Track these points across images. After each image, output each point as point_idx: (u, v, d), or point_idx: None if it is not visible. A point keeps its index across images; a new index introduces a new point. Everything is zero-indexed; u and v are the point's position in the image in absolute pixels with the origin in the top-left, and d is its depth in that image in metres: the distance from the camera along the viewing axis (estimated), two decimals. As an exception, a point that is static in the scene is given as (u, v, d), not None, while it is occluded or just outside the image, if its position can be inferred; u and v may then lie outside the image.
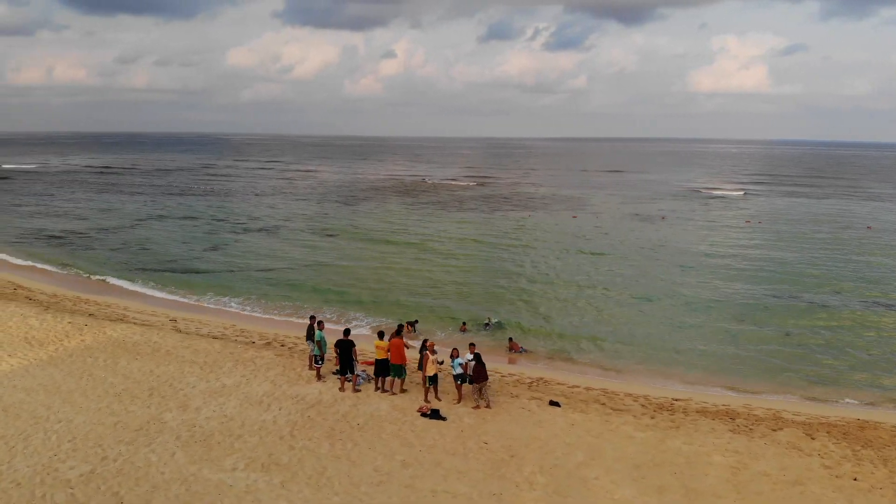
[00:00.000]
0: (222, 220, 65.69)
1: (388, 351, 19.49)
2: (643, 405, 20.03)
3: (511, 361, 26.20)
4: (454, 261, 46.58)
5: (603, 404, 19.83)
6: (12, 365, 20.78)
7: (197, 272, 41.90)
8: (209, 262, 44.96)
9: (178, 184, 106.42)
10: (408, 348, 19.52)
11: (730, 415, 19.56)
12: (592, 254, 48.81)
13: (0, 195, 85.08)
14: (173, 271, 42.17)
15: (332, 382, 20.05)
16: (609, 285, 38.85)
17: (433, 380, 18.98)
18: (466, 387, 18.97)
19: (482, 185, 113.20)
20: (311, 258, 47.07)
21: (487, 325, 30.53)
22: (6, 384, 19.27)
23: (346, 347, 19.27)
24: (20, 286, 35.11)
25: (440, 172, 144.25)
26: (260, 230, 59.93)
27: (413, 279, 40.37)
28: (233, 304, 34.40)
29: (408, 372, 19.83)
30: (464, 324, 30.27)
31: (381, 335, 19.75)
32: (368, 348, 21.47)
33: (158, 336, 24.70)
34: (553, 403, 19.14)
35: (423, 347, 19.42)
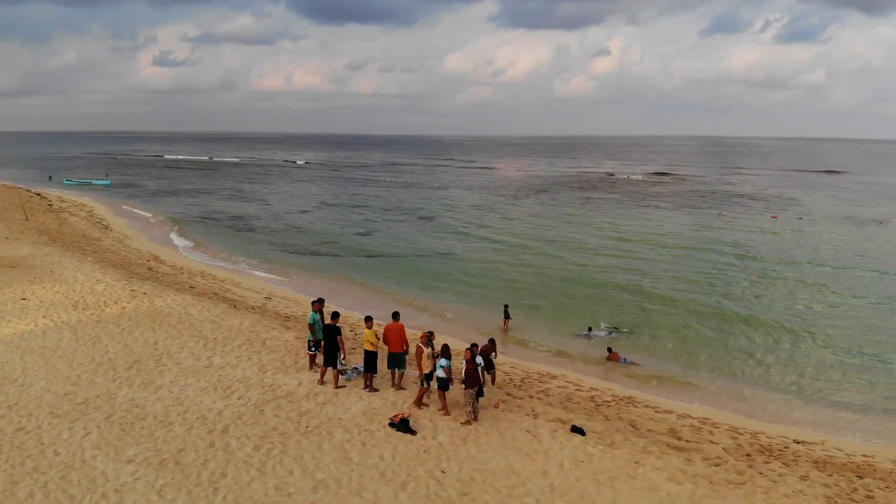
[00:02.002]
0: (390, 209, 67.65)
1: (380, 340, 16.17)
2: (734, 446, 14.76)
3: (605, 376, 21.96)
4: (598, 258, 42.03)
5: (664, 442, 14.90)
6: (37, 326, 20.83)
7: (335, 256, 42.98)
8: (351, 247, 46.12)
9: (369, 177, 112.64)
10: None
11: (857, 471, 13.57)
12: (781, 262, 40.86)
13: (217, 180, 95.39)
14: (313, 254, 43.53)
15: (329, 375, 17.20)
16: (788, 300, 31.85)
17: (429, 379, 15.27)
18: (461, 393, 14.98)
19: (679, 181, 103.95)
20: (455, 248, 46.13)
21: (590, 331, 26.96)
22: (12, 343, 19.09)
23: (330, 334, 16.32)
24: (157, 257, 37.05)
25: (635, 168, 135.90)
26: (421, 219, 60.99)
27: (545, 276, 37.36)
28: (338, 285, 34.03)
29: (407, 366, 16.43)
30: (590, 329, 26.77)
31: (368, 321, 16.43)
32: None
33: (201, 308, 23.63)
34: (576, 430, 14.48)
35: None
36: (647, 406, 19.06)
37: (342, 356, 16.49)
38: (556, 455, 13.39)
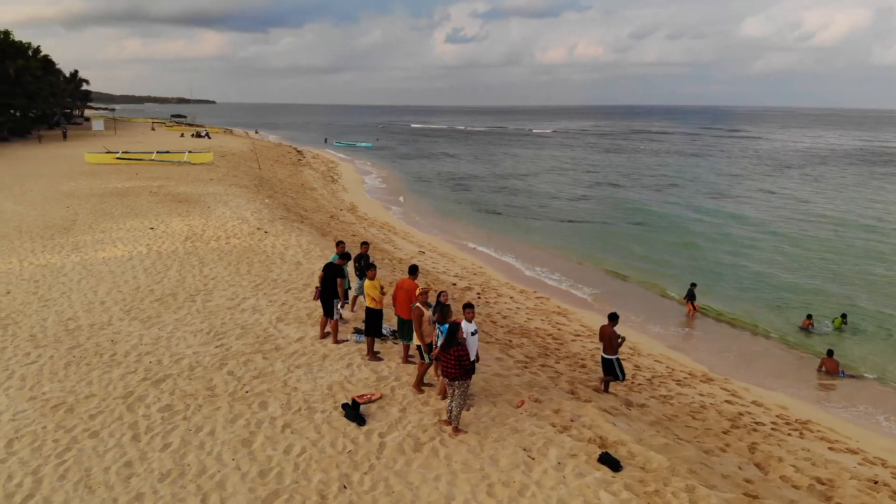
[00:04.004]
0: (627, 175, 64.09)
1: (384, 294, 12.27)
2: None
3: (794, 390, 16.14)
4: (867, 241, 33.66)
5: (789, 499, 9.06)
6: (130, 252, 20.68)
7: (537, 219, 40.88)
8: (559, 210, 43.87)
9: (621, 145, 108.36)
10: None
11: None
12: None
13: (466, 146, 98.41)
14: (516, 215, 41.95)
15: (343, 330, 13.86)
16: None
17: (430, 350, 11.02)
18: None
19: None
20: (680, 217, 41.54)
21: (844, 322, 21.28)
22: (87, 265, 18.99)
23: (329, 275, 12.83)
24: (354, 207, 37.19)
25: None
26: (656, 186, 56.29)
27: (784, 254, 31.61)
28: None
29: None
30: (808, 317, 21.22)
31: (369, 269, 12.53)
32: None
33: (303, 253, 21.58)
34: (606, 460, 9.13)
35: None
36: (822, 438, 12.72)
37: (339, 304, 12.85)
38: (542, 496, 8.32)
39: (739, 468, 10.59)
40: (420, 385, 11.26)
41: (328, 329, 13.45)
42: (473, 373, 9.87)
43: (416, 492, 8.35)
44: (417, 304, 11.16)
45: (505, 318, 20.26)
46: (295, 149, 79.77)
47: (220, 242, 22.13)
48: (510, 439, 9.63)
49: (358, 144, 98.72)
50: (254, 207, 29.72)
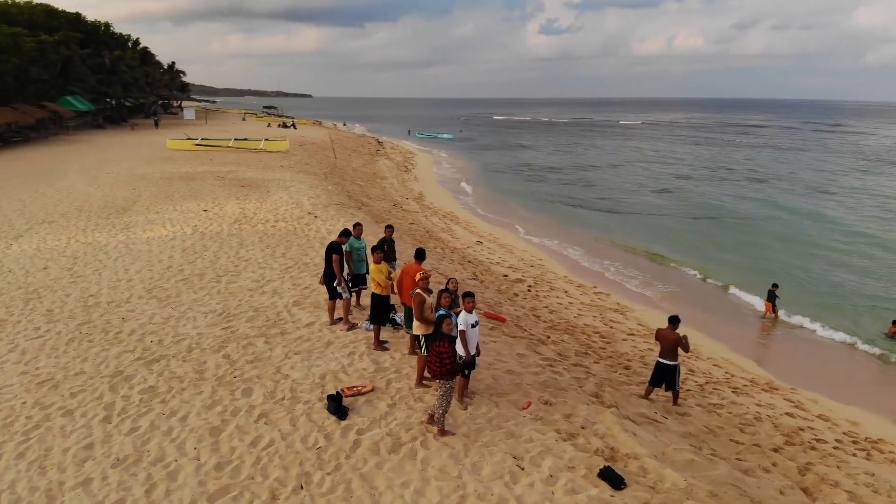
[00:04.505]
0: (713, 168, 61.45)
1: (391, 280, 11.40)
2: None
3: (874, 404, 14.39)
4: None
5: None
6: (174, 232, 20.69)
7: (611, 212, 39.37)
8: (632, 204, 41.89)
9: (711, 137, 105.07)
10: None
11: None
12: None
13: (549, 137, 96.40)
14: (586, 207, 40.61)
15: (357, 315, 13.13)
16: None
17: (428, 340, 10.05)
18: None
19: None
20: (761, 214, 38.96)
21: None
22: (130, 244, 19.15)
23: (328, 252, 12.08)
24: (421, 196, 36.90)
25: None
26: (743, 180, 53.58)
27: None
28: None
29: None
30: (894, 324, 19.01)
31: (375, 251, 11.62)
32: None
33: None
34: (607, 475, 7.91)
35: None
36: (893, 461, 11.01)
37: (337, 283, 12.06)
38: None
39: (781, 493, 9.06)
40: (421, 380, 10.30)
41: (340, 315, 12.71)
42: (458, 373, 8.78)
43: (377, 499, 7.42)
44: (417, 290, 10.18)
45: (552, 312, 19.02)
46: (376, 139, 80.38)
47: (266, 225, 21.90)
48: (502, 445, 8.53)
49: (440, 136, 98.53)
50: (313, 193, 29.54)
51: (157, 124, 72.41)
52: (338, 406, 9.21)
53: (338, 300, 12.45)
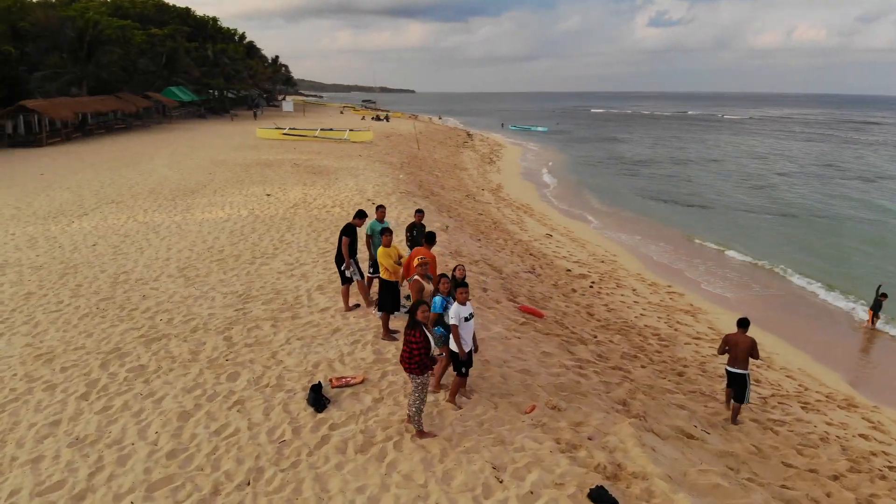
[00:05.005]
0: (822, 165, 56.91)
1: (401, 265, 10.59)
2: None
3: None
4: None
5: None
6: (228, 215, 20.78)
7: (704, 208, 36.98)
8: (725, 202, 38.99)
9: (823, 133, 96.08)
10: None
11: None
12: None
13: (647, 130, 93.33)
14: (674, 202, 38.42)
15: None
16: None
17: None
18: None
19: None
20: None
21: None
22: (182, 225, 19.32)
23: (341, 235, 11.40)
24: (499, 188, 36.14)
25: None
26: (842, 182, 48.81)
27: None
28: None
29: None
30: None
31: (384, 233, 10.80)
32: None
33: (392, 222, 20.47)
34: (598, 497, 6.76)
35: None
36: None
37: (345, 266, 11.34)
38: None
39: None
40: (439, 381, 9.39)
41: (357, 301, 12.01)
42: (429, 368, 7.76)
43: (325, 503, 6.59)
44: (416, 276, 9.29)
45: (610, 311, 17.62)
46: (466, 132, 79.82)
47: (321, 211, 21.62)
48: (485, 452, 7.50)
49: (533, 129, 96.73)
50: (381, 181, 29.18)
51: (255, 115, 74.92)
52: (317, 397, 8.47)
53: (351, 285, 11.75)
